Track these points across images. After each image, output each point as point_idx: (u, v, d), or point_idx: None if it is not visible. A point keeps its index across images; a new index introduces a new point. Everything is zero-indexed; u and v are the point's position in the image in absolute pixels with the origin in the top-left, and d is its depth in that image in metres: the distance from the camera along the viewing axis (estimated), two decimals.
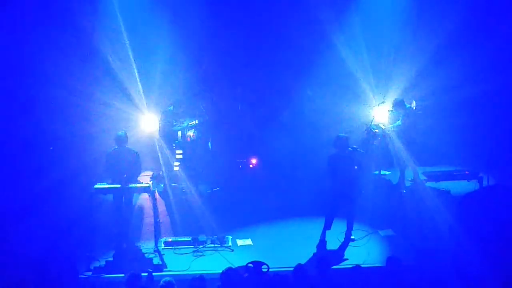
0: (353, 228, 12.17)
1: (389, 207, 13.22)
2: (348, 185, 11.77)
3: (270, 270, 9.67)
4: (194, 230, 12.32)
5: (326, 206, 12.07)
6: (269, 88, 16.22)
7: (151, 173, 14.53)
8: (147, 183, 12.12)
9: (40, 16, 14.73)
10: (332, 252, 11.70)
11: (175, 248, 11.85)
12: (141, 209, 13.41)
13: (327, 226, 11.97)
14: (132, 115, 15.61)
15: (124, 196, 11.78)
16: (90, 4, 15.19)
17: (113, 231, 11.76)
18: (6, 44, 14.61)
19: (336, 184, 11.81)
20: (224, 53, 15.96)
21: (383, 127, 14.27)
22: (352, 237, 12.12)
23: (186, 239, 12.07)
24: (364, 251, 11.71)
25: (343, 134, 12.04)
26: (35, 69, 14.88)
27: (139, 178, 12.28)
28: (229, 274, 9.00)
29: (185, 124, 14.66)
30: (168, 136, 14.35)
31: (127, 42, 15.41)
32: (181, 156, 14.76)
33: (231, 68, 16.10)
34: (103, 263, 11.02)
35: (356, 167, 11.90)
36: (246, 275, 9.30)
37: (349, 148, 11.86)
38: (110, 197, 11.89)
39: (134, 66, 15.62)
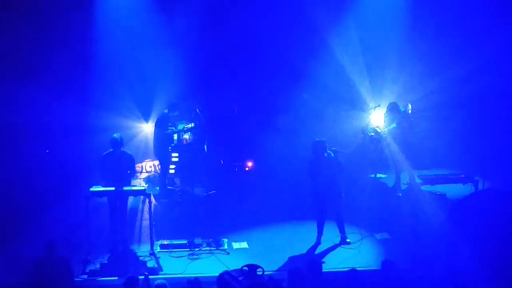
0: (348, 231, 12.20)
1: (384, 210, 13.24)
2: (328, 188, 11.83)
3: (265, 273, 9.67)
4: (190, 233, 12.31)
5: (314, 210, 12.16)
6: (265, 91, 16.22)
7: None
8: (142, 186, 12.12)
9: (38, 19, 14.75)
10: (327, 255, 11.71)
11: (170, 251, 11.86)
12: (136, 212, 13.40)
13: (320, 230, 12.05)
14: (130, 118, 15.68)
15: (119, 199, 11.77)
16: (87, 10, 15.22)
17: (109, 234, 11.76)
18: (4, 47, 14.62)
19: (316, 188, 11.88)
20: (220, 56, 15.98)
21: (379, 131, 14.29)
22: (347, 240, 12.14)
23: (181, 242, 12.08)
24: (359, 254, 11.72)
25: (319, 139, 12.08)
26: (33, 73, 14.90)
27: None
28: (224, 277, 9.00)
29: (180, 127, 14.68)
30: (164, 139, 14.36)
31: (124, 46, 15.47)
32: (177, 159, 14.81)
33: (227, 71, 16.11)
34: (98, 266, 11.02)
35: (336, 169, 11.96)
36: (241, 278, 9.30)
37: (328, 151, 11.90)
38: (105, 200, 11.87)
39: (132, 70, 15.68)
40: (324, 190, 11.88)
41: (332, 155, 11.93)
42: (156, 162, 15.29)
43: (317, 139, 12.04)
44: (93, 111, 15.03)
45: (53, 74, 14.94)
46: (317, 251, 11.86)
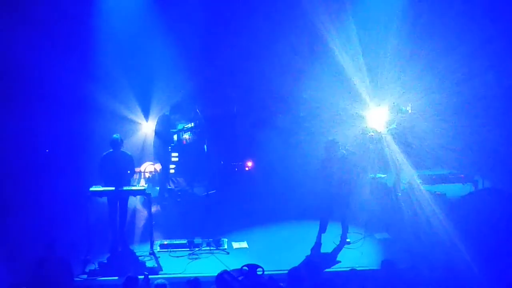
0: (349, 231, 12.20)
1: (384, 210, 13.22)
2: (341, 188, 11.80)
3: (265, 273, 9.67)
4: (189, 233, 12.31)
5: (321, 209, 12.11)
6: (265, 91, 16.22)
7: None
8: (142, 186, 12.11)
9: (39, 17, 14.74)
10: (327, 255, 11.71)
11: (170, 251, 11.86)
12: (136, 211, 13.40)
13: (322, 230, 12.02)
14: (130, 118, 15.68)
15: (119, 199, 11.78)
16: (89, 9, 15.23)
17: (108, 234, 11.76)
18: (4, 45, 14.62)
19: (329, 187, 11.85)
20: (219, 56, 15.97)
21: (379, 130, 14.28)
22: (347, 240, 12.14)
23: (181, 241, 12.08)
24: (359, 254, 11.72)
25: (331, 138, 12.07)
26: (31, 71, 14.89)
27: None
28: (224, 277, 9.00)
29: (180, 127, 14.68)
30: (164, 139, 14.36)
31: (124, 46, 15.47)
32: (177, 159, 14.81)
33: (226, 71, 16.10)
34: (98, 266, 11.02)
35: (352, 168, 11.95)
36: (241, 278, 9.30)
37: (342, 151, 11.89)
38: (105, 199, 11.87)
39: (132, 71, 15.68)
40: (335, 189, 11.84)
41: (346, 154, 11.93)
42: (158, 167, 15.20)
43: (329, 138, 12.04)
44: (93, 109, 15.05)
45: (52, 72, 14.93)
46: (317, 251, 11.84)
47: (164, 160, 14.65)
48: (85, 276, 10.86)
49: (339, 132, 14.61)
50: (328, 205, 12.00)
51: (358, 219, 12.67)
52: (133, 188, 11.90)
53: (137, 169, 14.50)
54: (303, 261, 11.24)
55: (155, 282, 8.84)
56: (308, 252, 11.74)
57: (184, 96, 15.35)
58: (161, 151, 14.50)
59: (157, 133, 14.42)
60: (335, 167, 11.77)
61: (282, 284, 9.13)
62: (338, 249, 11.94)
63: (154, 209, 12.51)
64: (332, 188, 11.81)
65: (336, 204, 11.94)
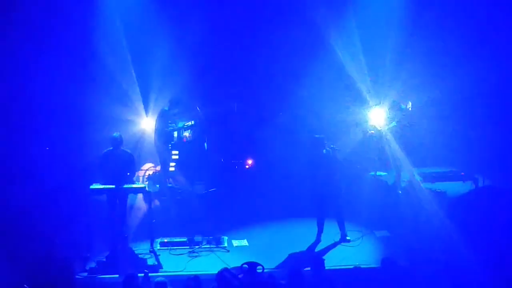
0: (348, 229, 12.21)
1: (384, 208, 13.23)
2: (327, 185, 11.81)
3: (265, 270, 9.68)
4: (189, 231, 12.32)
5: (314, 208, 12.16)
6: (265, 89, 16.22)
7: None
8: (142, 184, 12.11)
9: (38, 16, 14.73)
10: (327, 253, 11.72)
11: (170, 249, 11.87)
12: (136, 209, 13.40)
13: (320, 228, 12.05)
14: (130, 116, 15.65)
15: (119, 197, 11.77)
16: (88, 5, 15.20)
17: (109, 232, 11.76)
18: (4, 45, 14.60)
19: (315, 185, 11.87)
20: (220, 54, 15.97)
21: (379, 128, 14.29)
22: (347, 237, 12.15)
23: (181, 239, 12.09)
24: (359, 252, 11.73)
25: (318, 135, 12.09)
26: (32, 70, 14.89)
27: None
28: (224, 274, 9.01)
29: (180, 125, 14.67)
30: (164, 136, 14.35)
31: (125, 43, 15.45)
32: (177, 157, 14.79)
33: (227, 69, 16.10)
34: (98, 264, 11.03)
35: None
36: (241, 275, 9.30)
37: (327, 149, 11.90)
38: (104, 197, 11.86)
39: (132, 68, 15.66)
40: (323, 187, 11.87)
41: (331, 152, 11.93)
42: (158, 167, 15.16)
43: (316, 136, 12.05)
44: (92, 106, 15.03)
45: (51, 69, 14.93)
46: (317, 248, 11.86)
47: (164, 158, 14.63)
48: (85, 274, 10.87)
49: (339, 132, 14.67)
50: (319, 203, 12.05)
51: (357, 216, 12.68)
52: (133, 186, 11.90)
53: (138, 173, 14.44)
54: (303, 258, 11.25)
55: (155, 280, 8.85)
56: (308, 250, 11.75)
57: (184, 92, 15.33)
58: (161, 149, 14.48)
59: (157, 130, 14.39)
60: (321, 165, 11.79)
61: (282, 281, 9.14)
62: (338, 247, 11.95)
63: (154, 206, 12.49)
64: (320, 186, 11.82)
65: (327, 202, 11.96)
